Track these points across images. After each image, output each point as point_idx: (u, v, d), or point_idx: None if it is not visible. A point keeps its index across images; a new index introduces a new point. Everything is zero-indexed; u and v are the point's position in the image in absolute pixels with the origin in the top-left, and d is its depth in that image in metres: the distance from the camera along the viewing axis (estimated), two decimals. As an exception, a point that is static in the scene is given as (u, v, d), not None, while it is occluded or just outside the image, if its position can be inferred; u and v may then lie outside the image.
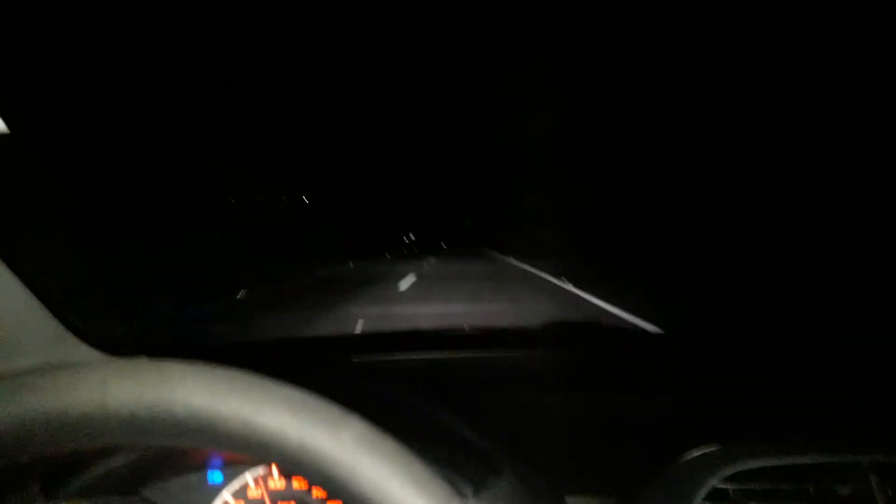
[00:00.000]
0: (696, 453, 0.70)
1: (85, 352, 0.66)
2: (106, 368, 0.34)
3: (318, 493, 0.70)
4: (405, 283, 11.42)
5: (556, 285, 10.37)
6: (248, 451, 0.34)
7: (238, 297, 9.80)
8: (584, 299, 8.13)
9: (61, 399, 0.33)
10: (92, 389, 0.33)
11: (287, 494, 0.70)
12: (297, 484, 0.70)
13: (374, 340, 1.42)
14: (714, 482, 0.65)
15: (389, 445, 0.34)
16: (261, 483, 0.70)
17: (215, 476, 0.70)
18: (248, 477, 0.70)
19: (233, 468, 0.71)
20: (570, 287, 9.74)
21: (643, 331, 2.94)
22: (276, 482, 0.70)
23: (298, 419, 0.33)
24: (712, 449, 0.70)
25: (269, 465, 0.71)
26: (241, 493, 0.70)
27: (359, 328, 5.45)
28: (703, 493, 0.65)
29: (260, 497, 0.69)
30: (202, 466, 0.70)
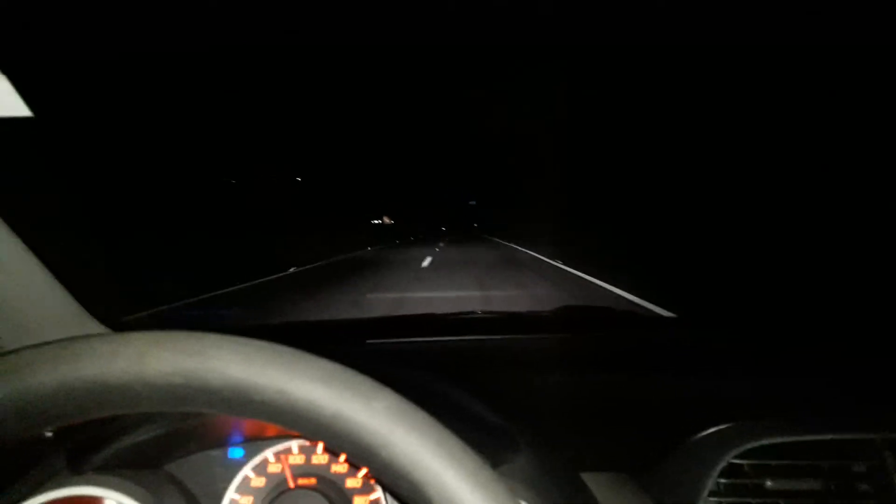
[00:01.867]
0: (711, 430, 0.70)
1: (106, 331, 0.67)
2: (143, 338, 0.35)
3: (337, 467, 0.71)
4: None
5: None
6: (281, 420, 0.34)
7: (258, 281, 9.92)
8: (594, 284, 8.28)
9: (101, 366, 0.33)
10: (130, 358, 0.34)
11: (307, 470, 0.71)
12: (318, 459, 0.72)
13: (388, 324, 1.43)
14: (729, 458, 0.66)
15: (420, 416, 0.35)
16: (281, 458, 0.71)
17: (236, 452, 0.72)
18: (269, 453, 0.71)
19: (253, 444, 0.72)
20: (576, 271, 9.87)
21: (655, 315, 2.94)
22: (297, 457, 0.72)
23: (332, 389, 0.34)
24: (727, 426, 0.70)
25: (290, 441, 0.72)
26: (261, 468, 0.71)
27: (374, 312, 5.52)
28: (718, 468, 0.66)
29: (280, 472, 0.71)
30: (223, 443, 0.72)
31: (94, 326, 0.88)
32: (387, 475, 0.34)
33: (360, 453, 0.34)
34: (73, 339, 0.35)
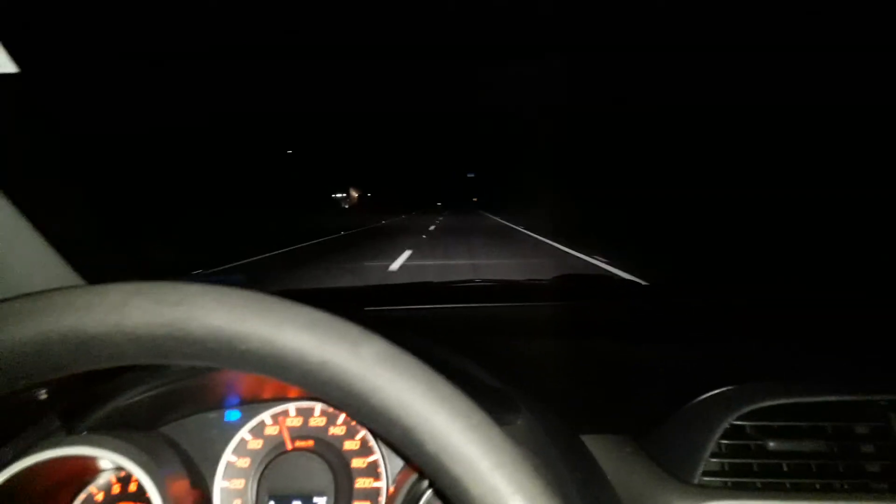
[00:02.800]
0: (713, 392, 0.70)
1: None
2: (123, 287, 0.33)
3: (335, 430, 0.71)
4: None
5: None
6: (267, 370, 0.33)
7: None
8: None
9: (78, 318, 0.32)
10: (110, 308, 0.32)
11: (305, 432, 0.71)
12: (315, 422, 0.71)
13: (386, 292, 1.42)
14: (731, 419, 0.65)
15: (410, 360, 0.33)
16: (278, 421, 0.71)
17: (233, 414, 0.71)
18: (266, 415, 0.71)
19: (250, 406, 0.71)
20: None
21: (652, 285, 2.94)
22: (294, 420, 0.71)
23: (318, 336, 0.32)
24: (729, 388, 0.69)
25: (287, 403, 0.71)
26: (258, 430, 0.70)
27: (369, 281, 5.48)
28: (719, 430, 0.65)
29: (277, 434, 0.70)
30: (220, 405, 0.71)
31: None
32: (378, 423, 0.33)
33: (350, 401, 0.33)
34: (48, 290, 0.33)
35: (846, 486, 0.63)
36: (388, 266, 9.47)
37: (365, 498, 0.67)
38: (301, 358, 0.32)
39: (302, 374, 0.33)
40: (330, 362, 0.32)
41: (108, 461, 0.62)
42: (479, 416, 0.33)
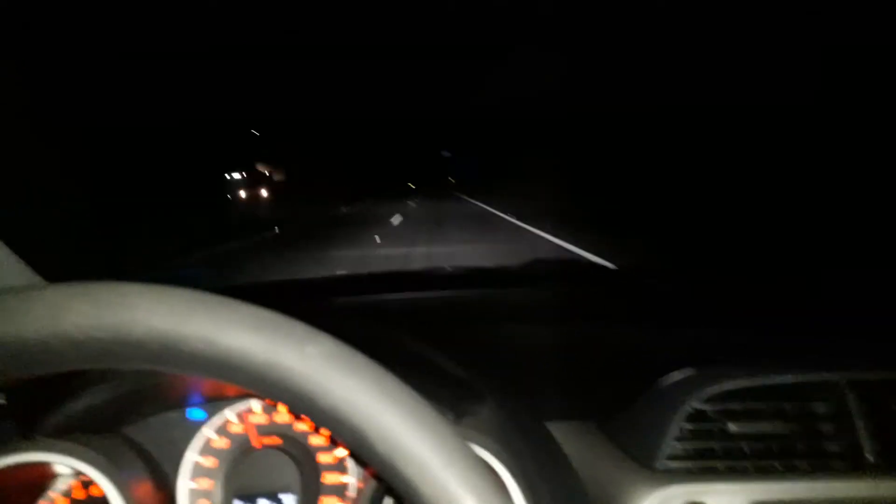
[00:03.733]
0: (675, 377, 0.71)
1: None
2: (59, 290, 0.32)
3: (301, 425, 0.70)
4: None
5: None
6: (212, 372, 0.32)
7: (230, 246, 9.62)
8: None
9: (12, 323, 0.30)
10: (45, 312, 0.31)
11: (270, 429, 0.70)
12: (280, 418, 0.70)
13: (356, 282, 1.41)
14: (693, 403, 0.66)
15: (358, 359, 0.32)
16: (243, 418, 0.70)
17: (195, 413, 0.70)
18: (230, 413, 0.70)
19: (214, 405, 0.70)
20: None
21: (619, 269, 2.97)
22: (259, 417, 0.70)
23: (263, 336, 0.31)
24: (690, 373, 0.71)
25: (250, 400, 0.70)
26: (222, 429, 0.69)
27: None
28: (682, 414, 0.66)
29: (242, 432, 0.69)
30: (182, 403, 0.70)
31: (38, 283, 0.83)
32: (329, 425, 0.32)
33: (299, 403, 0.32)
34: None
35: (807, 467, 0.65)
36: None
37: (333, 493, 0.67)
38: (245, 360, 0.31)
39: (248, 377, 0.32)
40: (275, 363, 0.31)
41: (66, 466, 0.60)
42: (429, 414, 0.32)
